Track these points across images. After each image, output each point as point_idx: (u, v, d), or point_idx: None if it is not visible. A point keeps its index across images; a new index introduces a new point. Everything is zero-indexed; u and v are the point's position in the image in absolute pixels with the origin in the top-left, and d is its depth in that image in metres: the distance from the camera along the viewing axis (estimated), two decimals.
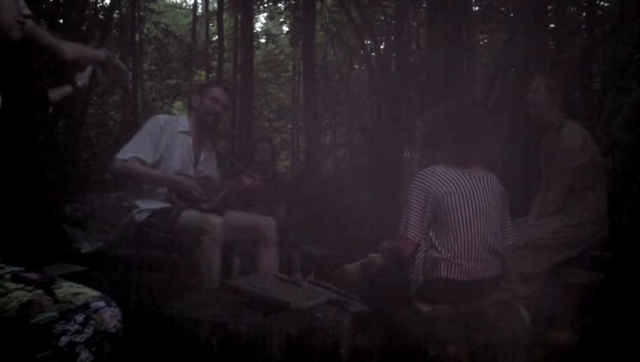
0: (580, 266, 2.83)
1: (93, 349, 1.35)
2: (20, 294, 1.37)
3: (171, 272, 3.20)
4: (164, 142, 2.84)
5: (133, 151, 2.78)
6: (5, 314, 1.34)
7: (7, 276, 1.42)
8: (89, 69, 2.64)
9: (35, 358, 1.28)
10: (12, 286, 1.39)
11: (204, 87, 3.21)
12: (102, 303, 1.45)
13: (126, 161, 2.76)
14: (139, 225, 2.80)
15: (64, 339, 1.30)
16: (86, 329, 1.35)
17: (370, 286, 2.29)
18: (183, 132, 2.92)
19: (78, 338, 1.33)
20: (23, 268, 1.44)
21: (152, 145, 2.82)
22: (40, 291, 1.40)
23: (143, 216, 2.79)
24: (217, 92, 2.98)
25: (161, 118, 2.98)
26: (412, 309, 2.09)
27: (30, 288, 1.40)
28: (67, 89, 2.64)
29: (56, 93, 2.64)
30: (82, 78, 2.64)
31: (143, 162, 2.79)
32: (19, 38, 1.56)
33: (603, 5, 6.17)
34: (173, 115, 3.25)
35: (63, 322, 1.33)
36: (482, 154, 2.16)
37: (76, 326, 1.33)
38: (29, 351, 1.29)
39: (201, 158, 3.00)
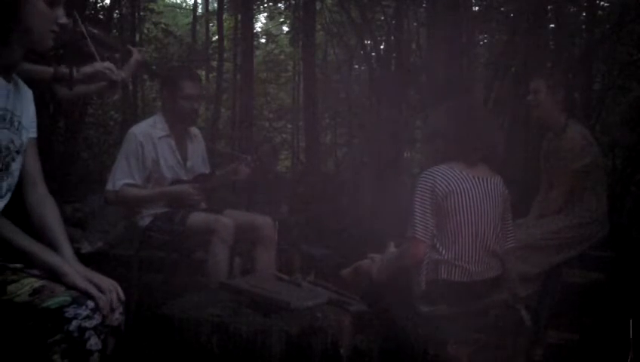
0: (580, 266, 2.84)
1: (101, 337, 1.36)
2: (32, 280, 1.39)
3: (171, 272, 3.20)
4: (148, 157, 2.76)
5: (122, 178, 2.73)
6: (18, 299, 1.36)
7: (12, 267, 1.43)
8: (131, 64, 2.51)
9: (46, 343, 1.29)
10: (23, 274, 1.41)
11: (172, 81, 2.87)
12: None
13: (118, 191, 2.72)
14: (143, 229, 2.79)
15: (74, 324, 1.32)
16: (95, 316, 1.36)
17: (370, 286, 2.29)
18: (163, 136, 2.82)
19: (88, 324, 1.34)
20: (24, 266, 1.45)
21: (137, 165, 2.74)
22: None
23: (147, 221, 2.78)
24: (189, 87, 2.80)
25: (138, 131, 2.81)
26: (412, 309, 2.08)
27: (40, 277, 1.42)
28: (101, 84, 2.45)
29: (87, 88, 2.49)
30: (121, 73, 2.45)
31: (134, 185, 2.74)
32: (49, 47, 1.56)
33: (603, 5, 6.17)
34: (148, 118, 3.04)
35: (75, 306, 1.34)
36: (487, 152, 2.15)
37: (87, 312, 1.35)
38: (40, 336, 1.30)
39: (189, 153, 2.92)
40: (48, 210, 1.56)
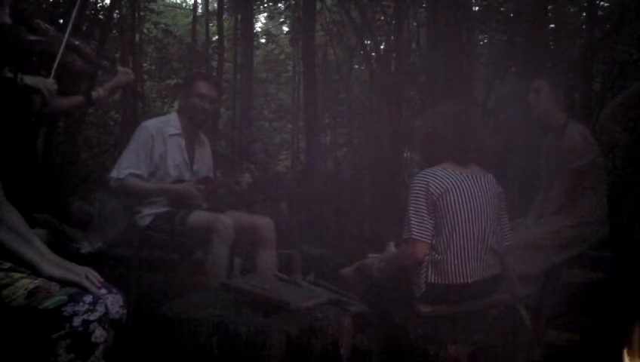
0: (580, 266, 2.83)
1: (106, 327, 1.38)
2: (26, 282, 1.40)
3: (171, 272, 3.20)
4: (157, 151, 2.79)
5: (128, 168, 2.74)
6: (14, 303, 1.36)
7: (7, 267, 1.44)
8: (111, 84, 2.58)
9: (49, 340, 1.30)
10: (17, 275, 1.41)
11: (188, 81, 3.01)
12: (103, 290, 1.47)
13: (122, 179, 2.73)
14: (143, 229, 2.79)
15: (77, 319, 1.33)
16: (97, 308, 1.37)
17: (370, 287, 2.29)
18: (174, 135, 2.87)
19: (91, 317, 1.36)
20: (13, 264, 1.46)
21: (145, 158, 2.77)
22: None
23: (147, 221, 2.79)
24: (203, 87, 2.87)
25: (150, 125, 2.87)
26: (412, 309, 2.09)
27: (34, 276, 1.43)
28: (78, 99, 2.56)
29: (64, 103, 2.56)
30: (99, 91, 2.57)
31: (139, 176, 2.76)
32: None
33: (603, 5, 6.16)
34: (162, 116, 3.12)
35: (72, 304, 1.35)
36: (479, 153, 2.18)
37: (86, 306, 1.36)
38: (42, 334, 1.31)
39: (196, 157, 2.96)
40: (10, 215, 1.57)
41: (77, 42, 2.42)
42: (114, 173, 2.76)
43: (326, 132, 10.55)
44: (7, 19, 2.00)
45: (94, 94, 2.56)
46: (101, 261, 3.63)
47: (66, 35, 2.32)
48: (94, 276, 1.51)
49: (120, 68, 2.65)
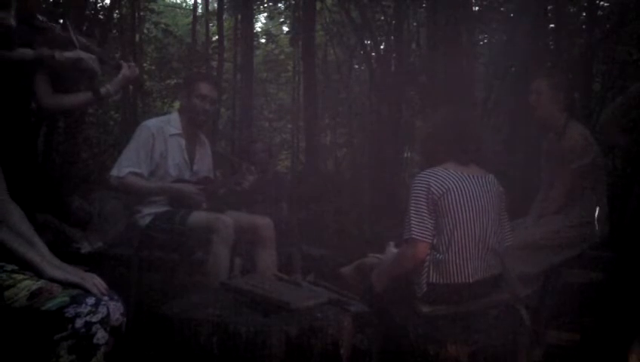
0: (580, 266, 2.83)
1: (107, 329, 1.37)
2: (29, 283, 1.40)
3: (171, 272, 3.21)
4: (157, 150, 2.80)
5: (128, 166, 2.75)
6: (16, 304, 1.36)
7: (10, 269, 1.44)
8: (119, 79, 2.55)
9: (51, 341, 1.30)
10: (19, 276, 1.41)
11: (189, 82, 3.00)
12: (105, 297, 1.47)
13: (122, 177, 2.74)
14: (143, 229, 2.80)
15: (79, 321, 1.33)
16: (99, 310, 1.37)
17: (370, 286, 2.29)
18: (175, 134, 2.88)
19: (94, 318, 1.35)
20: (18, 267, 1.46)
21: (146, 156, 2.77)
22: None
23: (147, 220, 2.79)
24: (204, 88, 2.88)
25: (152, 124, 2.88)
26: (412, 309, 2.09)
27: (36, 278, 1.43)
28: (87, 95, 2.54)
29: (73, 100, 2.55)
30: (108, 88, 2.55)
31: (139, 175, 2.76)
32: None
33: (603, 5, 6.17)
34: (162, 115, 3.13)
35: (74, 305, 1.35)
36: (479, 153, 2.18)
37: (88, 308, 1.36)
38: (44, 335, 1.31)
39: (196, 158, 2.97)
40: (13, 214, 1.57)
41: (83, 40, 2.42)
42: (114, 172, 2.77)
43: (326, 132, 10.56)
44: (13, 22, 2.00)
45: (103, 90, 2.53)
46: (101, 261, 3.63)
47: (72, 33, 2.32)
48: (97, 281, 1.51)
49: (123, 62, 2.63)
